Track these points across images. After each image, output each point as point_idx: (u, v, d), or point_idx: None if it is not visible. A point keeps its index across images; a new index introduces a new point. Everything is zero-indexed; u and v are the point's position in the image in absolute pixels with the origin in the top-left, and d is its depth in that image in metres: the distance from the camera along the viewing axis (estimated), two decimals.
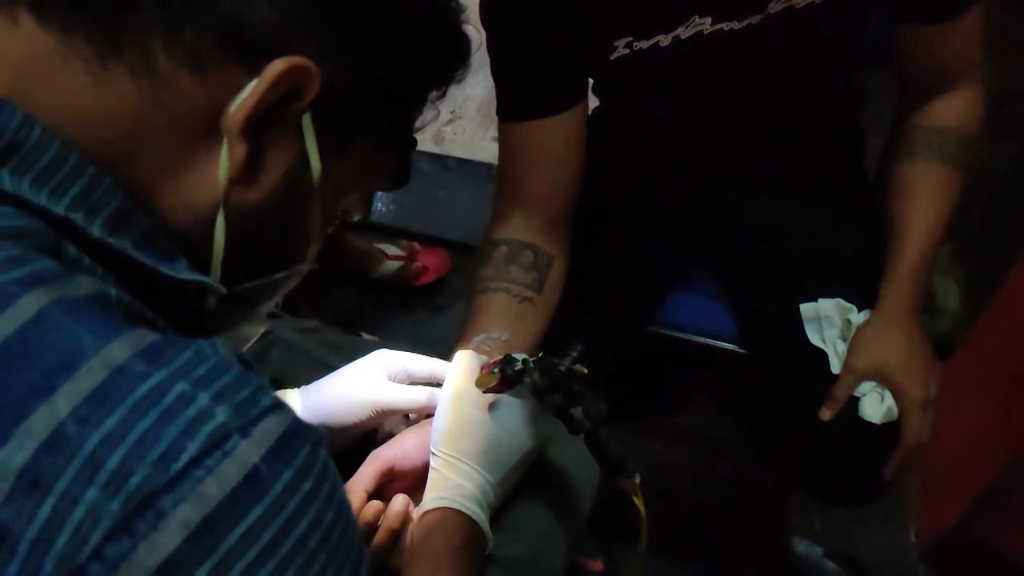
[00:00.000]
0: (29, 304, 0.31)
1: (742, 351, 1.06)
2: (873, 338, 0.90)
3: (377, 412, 0.72)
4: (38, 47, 0.37)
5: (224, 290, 0.42)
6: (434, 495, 0.65)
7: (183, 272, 0.39)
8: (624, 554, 1.28)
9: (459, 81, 0.52)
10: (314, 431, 0.34)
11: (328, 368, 0.84)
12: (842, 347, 0.92)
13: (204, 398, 0.31)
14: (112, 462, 0.29)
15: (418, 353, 0.76)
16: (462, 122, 2.08)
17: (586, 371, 0.65)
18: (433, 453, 0.67)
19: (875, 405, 0.88)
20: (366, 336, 1.53)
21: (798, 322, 0.95)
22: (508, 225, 0.90)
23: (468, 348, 0.81)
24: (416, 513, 0.66)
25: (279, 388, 0.82)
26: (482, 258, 0.90)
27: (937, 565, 1.33)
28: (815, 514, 1.39)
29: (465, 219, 1.82)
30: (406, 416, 0.76)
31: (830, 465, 0.91)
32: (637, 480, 0.65)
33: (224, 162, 0.40)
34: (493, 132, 2.08)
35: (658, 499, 0.74)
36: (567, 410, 0.66)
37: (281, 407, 0.33)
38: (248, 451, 0.30)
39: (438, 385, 0.76)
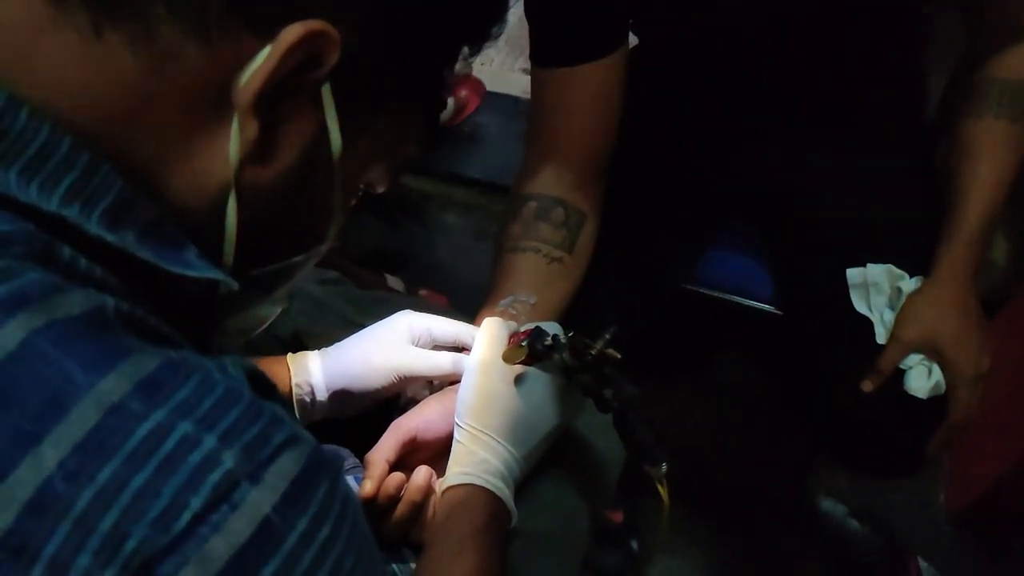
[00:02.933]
0: (13, 332, 0.27)
1: (778, 313, 1.02)
2: (924, 308, 0.85)
3: (399, 378, 0.69)
4: (25, 14, 0.32)
5: (236, 285, 0.38)
6: (458, 470, 0.62)
7: (191, 268, 0.36)
8: (645, 506, 1.27)
9: (495, 38, 0.46)
10: (333, 461, 0.30)
11: (351, 324, 0.82)
12: (889, 316, 0.87)
13: (210, 441, 0.27)
14: (106, 523, 0.26)
15: (442, 305, 0.73)
16: (489, 52, 1.98)
17: (619, 356, 0.61)
18: (457, 425, 0.64)
19: (922, 379, 0.84)
20: (390, 279, 1.50)
21: (843, 287, 0.90)
22: (539, 179, 0.85)
23: (495, 311, 0.78)
24: (439, 486, 0.64)
25: (300, 344, 0.80)
26: (510, 213, 0.85)
27: (966, 528, 1.30)
28: (841, 472, 1.36)
29: (492, 156, 1.76)
30: (429, 381, 0.73)
31: (870, 439, 0.87)
32: (664, 469, 0.62)
33: (235, 140, 0.36)
34: (522, 63, 1.99)
35: (680, 451, 0.72)
36: (597, 391, 0.63)
37: (297, 440, 0.29)
38: (259, 500, 0.27)
39: (462, 350, 0.73)
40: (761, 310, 1.03)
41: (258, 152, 0.37)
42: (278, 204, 0.40)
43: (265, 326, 0.48)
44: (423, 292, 1.51)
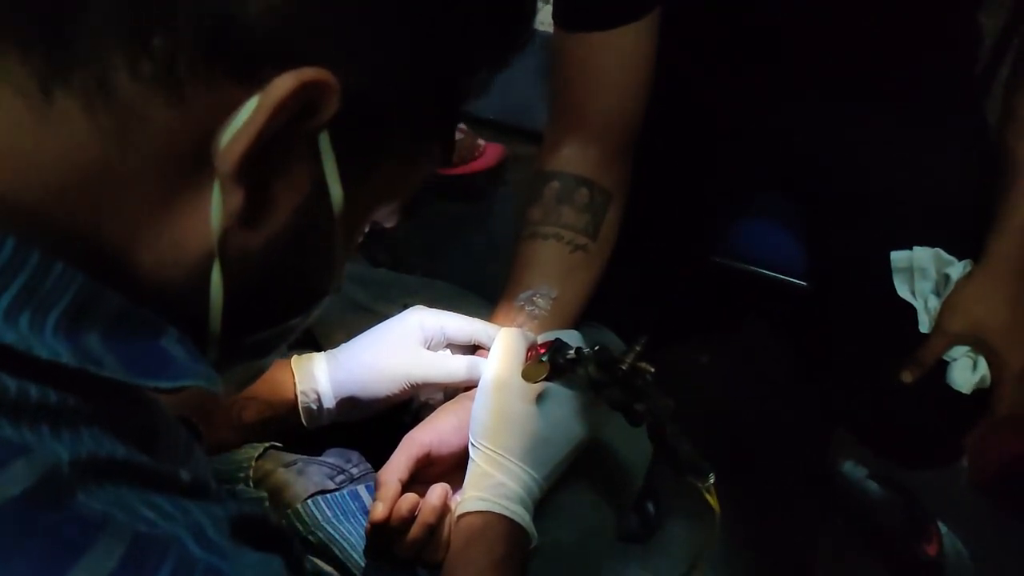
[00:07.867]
0: None
1: (810, 288, 0.96)
2: (973, 297, 0.79)
3: (411, 385, 0.65)
4: None
5: (220, 389, 0.33)
6: (475, 494, 0.59)
7: (165, 374, 0.30)
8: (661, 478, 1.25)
9: (521, 50, 0.40)
10: None
11: (360, 309, 0.77)
12: (934, 304, 0.81)
13: None
14: None
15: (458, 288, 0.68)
16: None
17: (652, 369, 0.56)
18: (473, 445, 0.61)
19: (966, 372, 0.79)
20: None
21: (885, 270, 0.84)
22: (562, 156, 0.78)
23: (514, 307, 0.73)
24: (455, 507, 0.60)
25: (307, 331, 0.75)
26: (531, 194, 0.78)
27: (989, 493, 1.28)
28: None
29: (508, 93, 1.66)
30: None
31: (905, 431, 0.83)
32: (711, 480, 0.58)
33: (217, 208, 0.30)
34: None
35: (700, 413, 0.68)
36: (628, 405, 0.58)
37: None
38: None
39: (478, 348, 0.69)
40: (792, 284, 0.97)
41: (245, 217, 0.31)
42: (270, 268, 0.34)
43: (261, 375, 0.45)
44: None
